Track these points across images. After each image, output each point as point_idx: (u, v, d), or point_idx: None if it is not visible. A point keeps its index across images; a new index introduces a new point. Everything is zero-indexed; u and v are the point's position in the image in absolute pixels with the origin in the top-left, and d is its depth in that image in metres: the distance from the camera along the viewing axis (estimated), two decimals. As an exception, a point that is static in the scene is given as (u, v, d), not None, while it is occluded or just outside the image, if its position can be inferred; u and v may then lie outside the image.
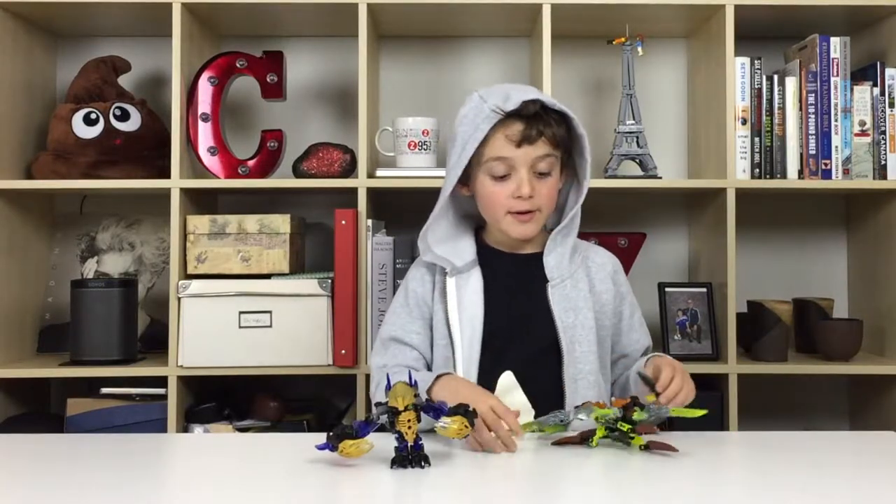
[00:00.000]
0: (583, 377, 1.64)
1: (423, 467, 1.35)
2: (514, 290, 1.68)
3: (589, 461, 1.43)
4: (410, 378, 1.39)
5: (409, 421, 1.35)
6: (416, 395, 1.37)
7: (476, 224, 1.77)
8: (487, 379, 1.61)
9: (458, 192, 1.71)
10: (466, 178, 1.68)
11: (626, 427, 1.46)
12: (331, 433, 1.37)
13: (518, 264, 1.71)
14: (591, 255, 1.75)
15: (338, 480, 1.32)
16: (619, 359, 1.76)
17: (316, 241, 2.59)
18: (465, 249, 1.70)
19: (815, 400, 2.64)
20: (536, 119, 1.61)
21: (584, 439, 1.48)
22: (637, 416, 1.47)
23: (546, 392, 1.62)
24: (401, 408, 1.35)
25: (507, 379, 1.60)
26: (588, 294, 1.69)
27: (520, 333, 1.66)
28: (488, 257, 1.70)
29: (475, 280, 1.67)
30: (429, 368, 1.69)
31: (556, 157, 1.65)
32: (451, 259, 1.67)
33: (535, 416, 1.57)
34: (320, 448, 1.36)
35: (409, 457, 1.35)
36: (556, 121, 1.63)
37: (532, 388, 1.59)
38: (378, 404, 1.38)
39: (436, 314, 1.68)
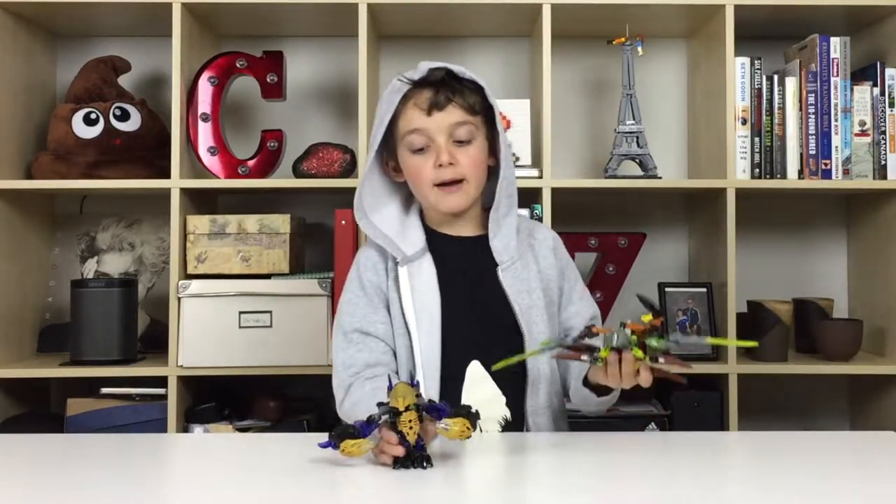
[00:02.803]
0: (542, 358, 1.62)
1: (424, 468, 1.34)
2: (467, 276, 1.65)
3: (589, 460, 1.43)
4: (388, 381, 1.39)
5: (410, 421, 1.34)
6: (419, 396, 1.36)
7: (420, 207, 1.72)
8: (449, 366, 1.59)
9: (393, 177, 1.69)
10: (397, 161, 1.66)
11: (640, 354, 1.42)
12: (333, 432, 1.36)
13: (466, 248, 1.68)
14: (534, 233, 1.73)
15: (338, 480, 1.32)
16: (564, 332, 1.72)
17: (316, 241, 2.59)
18: (414, 236, 1.66)
19: (815, 400, 2.64)
20: (444, 86, 1.60)
21: (591, 351, 1.45)
22: (656, 342, 1.42)
23: (509, 375, 1.61)
24: (402, 408, 1.35)
25: (475, 369, 1.60)
26: (537, 274, 1.67)
27: (478, 318, 1.63)
28: (436, 243, 1.67)
29: (427, 267, 1.63)
30: (395, 358, 1.65)
31: (474, 126, 1.62)
32: (400, 246, 1.64)
33: (506, 403, 1.60)
34: (322, 446, 1.36)
35: (412, 457, 1.35)
36: (470, 91, 1.62)
37: (495, 373, 1.59)
38: (380, 404, 1.38)
39: (392, 304, 1.64)
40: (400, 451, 1.33)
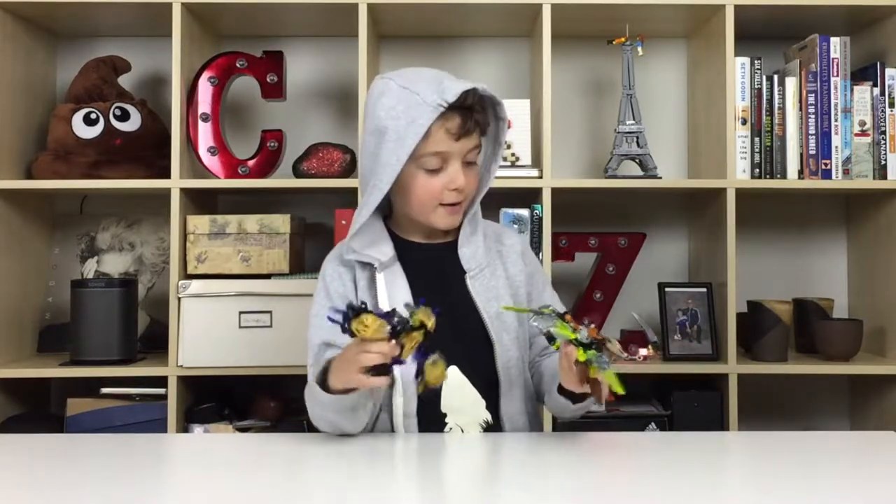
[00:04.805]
0: (513, 364, 1.62)
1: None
2: (436, 283, 1.64)
3: (585, 459, 1.43)
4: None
5: (416, 340, 1.37)
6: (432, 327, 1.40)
7: (382, 213, 1.70)
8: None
9: None
10: None
11: (581, 357, 1.43)
12: (351, 305, 1.38)
13: (434, 255, 1.66)
14: (502, 238, 1.72)
15: (338, 480, 1.32)
16: (533, 337, 1.71)
17: (316, 241, 2.59)
18: (383, 246, 1.64)
19: (815, 400, 2.64)
20: (472, 110, 1.56)
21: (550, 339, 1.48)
22: (587, 355, 1.43)
23: (481, 382, 1.61)
24: (417, 324, 1.38)
25: (454, 375, 1.59)
26: (505, 281, 1.66)
27: (449, 326, 1.57)
28: (404, 250, 1.65)
29: (399, 276, 1.62)
30: None
31: (480, 147, 1.62)
32: (373, 255, 1.62)
33: (486, 407, 1.60)
34: (332, 320, 1.37)
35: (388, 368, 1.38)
36: (483, 107, 1.59)
37: (469, 379, 1.60)
38: (390, 314, 1.39)
39: None
40: (394, 350, 1.38)
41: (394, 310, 1.40)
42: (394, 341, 1.38)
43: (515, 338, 1.64)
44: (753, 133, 2.36)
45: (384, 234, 1.66)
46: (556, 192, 2.30)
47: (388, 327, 1.37)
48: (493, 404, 1.61)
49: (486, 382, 1.61)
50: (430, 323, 1.39)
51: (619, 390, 1.43)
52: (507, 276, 1.67)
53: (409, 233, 1.67)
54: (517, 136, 2.37)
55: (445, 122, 1.54)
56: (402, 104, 1.54)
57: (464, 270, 1.64)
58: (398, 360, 1.38)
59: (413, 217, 1.64)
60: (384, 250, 1.63)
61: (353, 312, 1.37)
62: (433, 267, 1.65)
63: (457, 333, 1.61)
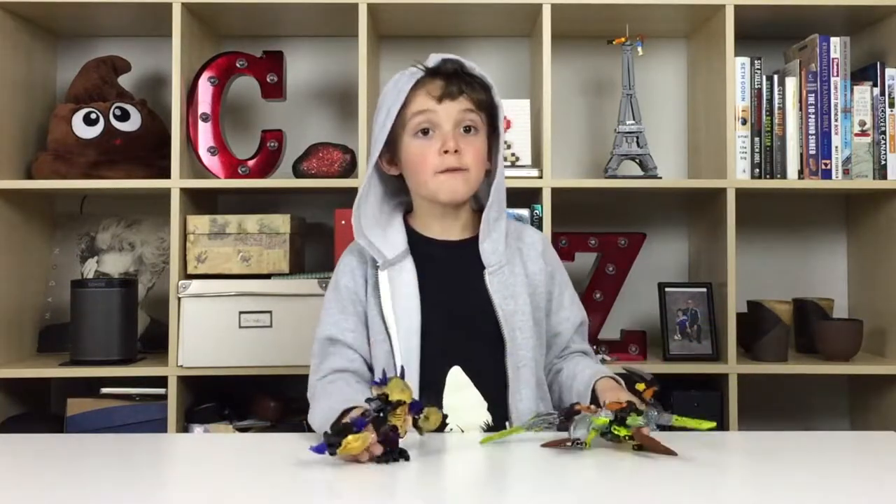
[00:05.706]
0: (524, 364, 1.61)
1: (408, 460, 1.35)
2: (450, 280, 1.63)
3: (584, 463, 1.43)
4: (381, 374, 1.40)
5: (404, 414, 1.34)
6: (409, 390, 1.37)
7: (404, 209, 1.71)
8: (430, 371, 1.58)
9: (386, 170, 1.66)
10: (393, 153, 1.64)
11: (622, 432, 1.43)
12: (328, 432, 1.33)
13: (451, 252, 1.66)
14: (522, 236, 1.71)
15: (338, 480, 1.32)
16: (552, 338, 1.71)
17: (316, 241, 2.59)
18: (395, 238, 1.64)
19: (815, 400, 2.64)
20: (457, 77, 1.60)
21: (576, 442, 1.44)
22: (632, 420, 1.44)
23: (489, 381, 1.60)
24: (396, 400, 1.35)
25: (456, 375, 1.58)
26: (524, 278, 1.65)
27: (459, 324, 1.60)
28: (419, 246, 1.65)
29: (408, 271, 1.61)
30: (368, 365, 1.63)
31: (480, 118, 1.62)
32: (381, 249, 1.62)
33: (490, 409, 1.58)
34: (316, 450, 1.34)
35: (395, 452, 1.34)
36: (478, 87, 1.62)
37: (475, 378, 1.59)
38: (370, 399, 1.37)
39: (370, 309, 1.61)
40: (379, 449, 1.33)
41: (368, 408, 1.36)
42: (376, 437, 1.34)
43: (529, 337, 1.62)
44: (753, 133, 2.36)
45: (400, 228, 1.66)
46: (556, 192, 2.31)
47: (372, 434, 1.33)
48: (502, 404, 1.60)
49: (496, 381, 1.60)
50: (408, 395, 1.36)
51: (705, 425, 1.44)
52: (525, 273, 1.66)
53: (427, 228, 1.67)
54: (517, 136, 2.37)
55: (426, 85, 1.60)
56: (392, 83, 1.63)
57: (483, 266, 1.63)
58: (396, 439, 1.35)
59: (421, 194, 1.64)
60: (395, 245, 1.63)
61: (332, 442, 1.32)
62: (451, 263, 1.65)
63: (467, 332, 1.61)
